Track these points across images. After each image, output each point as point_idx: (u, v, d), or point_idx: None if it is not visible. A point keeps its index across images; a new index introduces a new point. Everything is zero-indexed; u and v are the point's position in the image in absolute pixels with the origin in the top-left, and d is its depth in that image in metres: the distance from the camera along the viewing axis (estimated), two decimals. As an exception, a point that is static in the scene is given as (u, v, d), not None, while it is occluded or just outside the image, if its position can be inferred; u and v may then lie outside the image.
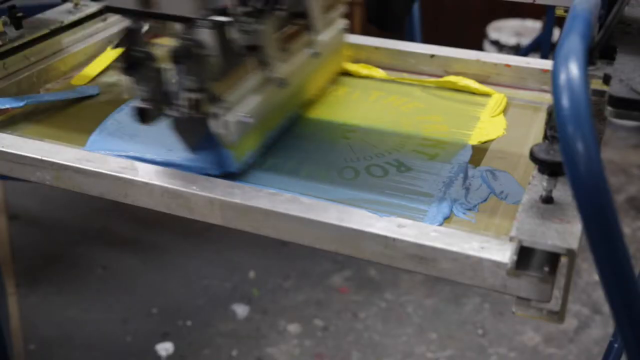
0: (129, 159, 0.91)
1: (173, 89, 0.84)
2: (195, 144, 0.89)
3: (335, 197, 0.86)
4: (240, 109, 0.89)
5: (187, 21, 0.81)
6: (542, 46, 2.66)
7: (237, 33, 0.92)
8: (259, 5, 0.90)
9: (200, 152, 0.90)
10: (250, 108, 0.91)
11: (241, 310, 2.17)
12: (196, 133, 0.88)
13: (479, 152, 0.97)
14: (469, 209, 0.85)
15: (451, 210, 0.84)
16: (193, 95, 0.82)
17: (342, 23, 1.17)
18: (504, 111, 1.08)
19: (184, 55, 0.80)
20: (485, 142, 1.00)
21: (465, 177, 0.91)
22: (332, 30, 1.13)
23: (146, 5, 0.81)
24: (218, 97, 0.85)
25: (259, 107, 0.93)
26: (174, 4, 0.81)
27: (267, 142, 0.97)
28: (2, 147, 0.93)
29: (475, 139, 1.00)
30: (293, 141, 1.01)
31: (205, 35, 0.84)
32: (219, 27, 0.86)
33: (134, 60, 0.82)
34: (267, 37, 0.94)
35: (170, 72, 0.84)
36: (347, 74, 1.21)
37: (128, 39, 0.81)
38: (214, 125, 0.86)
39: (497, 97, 1.10)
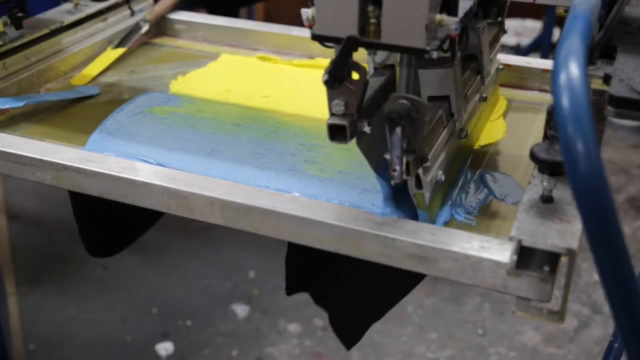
0: (129, 159, 0.91)
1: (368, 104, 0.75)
2: (377, 165, 0.81)
3: (334, 197, 0.86)
4: (436, 166, 0.81)
5: (417, 52, 0.72)
6: (542, 46, 2.66)
7: (423, 82, 0.85)
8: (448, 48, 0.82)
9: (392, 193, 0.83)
10: (442, 164, 0.83)
11: (241, 310, 2.17)
12: (378, 153, 0.78)
13: (479, 155, 0.97)
14: (469, 212, 0.84)
15: (451, 214, 0.84)
16: (406, 157, 0.74)
17: (498, 63, 1.08)
18: (504, 114, 1.08)
19: (405, 117, 0.71)
20: (485, 145, 1.00)
21: (465, 181, 0.91)
22: (493, 71, 1.05)
23: (364, 34, 0.73)
24: (426, 157, 0.77)
25: (447, 162, 0.85)
26: (401, 34, 0.71)
27: (451, 196, 0.88)
28: (2, 147, 0.93)
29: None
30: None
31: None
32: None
33: (342, 72, 0.71)
34: (456, 86, 0.87)
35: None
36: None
37: (345, 51, 0.71)
38: (411, 186, 0.80)
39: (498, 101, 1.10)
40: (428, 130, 0.80)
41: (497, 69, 1.07)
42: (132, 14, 1.36)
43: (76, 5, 1.28)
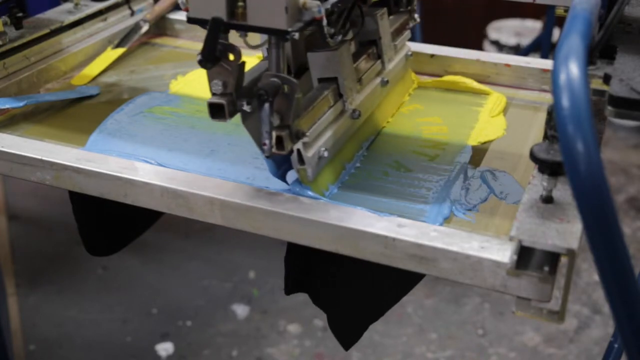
0: (129, 159, 0.91)
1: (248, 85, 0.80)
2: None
3: (334, 198, 0.86)
4: (319, 143, 0.85)
5: (279, 33, 0.76)
6: (542, 46, 2.66)
7: (312, 64, 0.89)
8: (338, 31, 0.86)
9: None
10: (327, 142, 0.87)
11: (241, 310, 2.17)
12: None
13: (479, 152, 0.97)
14: (469, 209, 0.85)
15: (451, 211, 0.84)
16: (278, 133, 0.78)
17: (407, 49, 1.13)
18: (504, 111, 1.08)
19: (272, 93, 0.76)
20: (485, 142, 1.00)
21: (465, 178, 0.91)
22: (399, 56, 1.09)
23: (234, 17, 0.77)
24: (302, 133, 0.81)
25: (335, 140, 0.89)
26: (264, 16, 0.75)
27: (348, 172, 0.92)
28: (2, 147, 0.93)
29: (475, 139, 1.00)
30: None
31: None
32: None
33: (215, 53, 0.76)
34: (343, 68, 0.90)
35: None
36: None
37: (212, 32, 0.76)
38: (294, 162, 0.83)
39: (497, 97, 1.10)
40: (306, 108, 0.83)
41: (407, 55, 1.11)
42: (132, 14, 1.36)
43: (76, 5, 1.28)
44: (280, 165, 0.85)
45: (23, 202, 2.63)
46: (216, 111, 0.78)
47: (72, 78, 1.19)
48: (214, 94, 0.78)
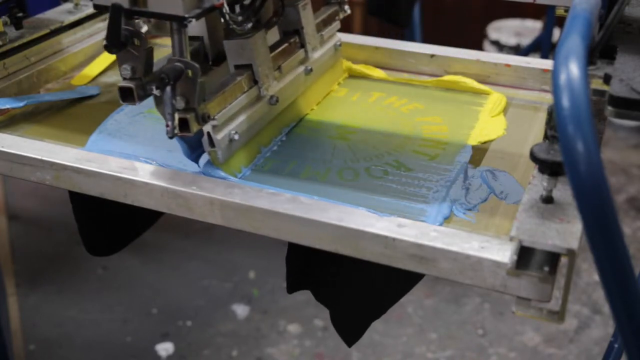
0: (129, 159, 0.91)
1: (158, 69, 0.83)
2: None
3: (335, 197, 0.86)
4: (230, 127, 0.89)
5: (177, 19, 0.81)
6: (543, 46, 2.66)
7: (228, 52, 0.93)
8: (246, 19, 0.91)
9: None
10: (240, 126, 0.91)
11: (241, 310, 2.17)
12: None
13: (479, 152, 0.97)
14: (469, 209, 0.85)
15: (451, 211, 0.84)
16: (182, 115, 0.82)
17: (337, 39, 1.16)
18: (504, 111, 1.08)
19: (174, 77, 0.80)
20: (485, 142, 1.00)
21: (465, 177, 0.91)
22: (326, 46, 1.13)
23: (136, 4, 0.81)
24: (207, 116, 0.84)
25: (250, 125, 0.93)
26: (163, 2, 0.80)
27: (262, 156, 0.96)
28: (3, 147, 0.93)
29: (475, 139, 1.00)
30: (293, 142, 1.01)
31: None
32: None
33: (120, 38, 0.81)
34: (257, 55, 0.94)
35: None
36: (348, 74, 1.21)
37: (114, 18, 0.81)
38: (204, 144, 0.87)
39: (497, 97, 1.10)
40: (216, 93, 0.87)
41: (335, 45, 1.15)
42: (132, 14, 1.36)
43: (76, 5, 1.28)
44: (195, 149, 0.90)
45: (23, 202, 2.63)
46: (126, 95, 0.83)
47: (72, 78, 1.19)
48: (124, 79, 0.83)
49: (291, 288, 0.96)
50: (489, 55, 1.17)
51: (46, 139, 0.98)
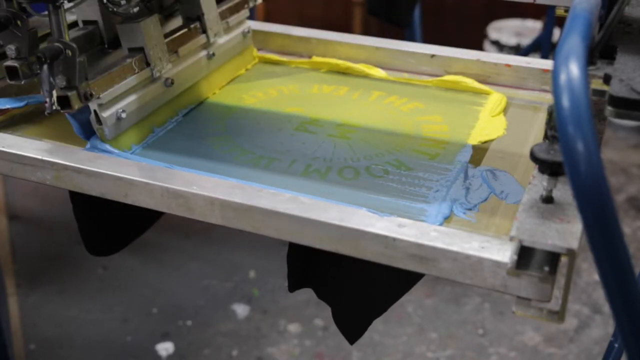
0: (129, 159, 0.91)
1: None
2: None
3: (335, 197, 0.86)
4: (118, 106, 0.94)
5: (51, 2, 0.86)
6: (543, 46, 2.66)
7: (121, 35, 0.98)
8: (134, 5, 0.95)
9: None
10: (129, 105, 0.96)
11: (241, 310, 2.17)
12: None
13: (479, 151, 0.97)
14: (469, 209, 0.85)
15: (451, 210, 0.84)
16: (62, 93, 0.87)
17: (246, 26, 1.22)
18: (504, 111, 1.08)
19: (53, 56, 0.84)
20: (486, 142, 1.00)
21: (466, 177, 0.91)
22: (233, 33, 1.18)
23: None
24: (90, 94, 0.89)
25: (141, 105, 0.98)
26: None
27: (156, 135, 1.01)
28: (3, 147, 0.93)
29: (475, 138, 1.00)
30: (294, 141, 1.01)
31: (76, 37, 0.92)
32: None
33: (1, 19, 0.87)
34: (149, 38, 0.98)
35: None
36: (348, 73, 1.21)
37: None
38: (92, 121, 0.92)
39: (497, 97, 1.10)
40: (102, 73, 0.92)
41: (244, 32, 1.21)
42: (132, 14, 1.36)
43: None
44: (87, 128, 0.95)
45: (23, 202, 2.63)
46: (12, 74, 0.89)
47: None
48: (10, 59, 0.89)
49: (292, 286, 0.97)
50: (489, 55, 1.17)
51: (47, 139, 0.98)
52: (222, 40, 1.15)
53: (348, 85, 1.17)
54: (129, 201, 0.88)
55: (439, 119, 1.06)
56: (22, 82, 0.89)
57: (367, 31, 3.10)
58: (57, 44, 0.86)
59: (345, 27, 3.13)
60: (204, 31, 1.11)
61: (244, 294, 2.23)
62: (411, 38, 2.52)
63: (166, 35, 1.04)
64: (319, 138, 1.01)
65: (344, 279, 0.94)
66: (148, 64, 0.99)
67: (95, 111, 0.92)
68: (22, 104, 1.04)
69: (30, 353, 2.00)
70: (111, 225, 1.07)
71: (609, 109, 0.70)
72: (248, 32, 1.22)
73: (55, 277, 2.28)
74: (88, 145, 0.93)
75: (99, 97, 0.91)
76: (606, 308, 2.14)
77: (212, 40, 1.12)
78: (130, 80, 0.96)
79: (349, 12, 3.20)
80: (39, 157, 0.91)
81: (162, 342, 2.05)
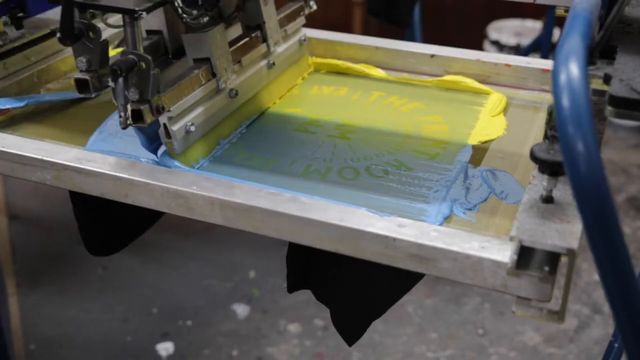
0: (129, 159, 0.91)
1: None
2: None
3: (335, 197, 0.86)
4: (187, 119, 0.91)
5: (128, 12, 0.83)
6: (543, 46, 2.66)
7: (187, 45, 0.95)
8: (202, 13, 0.93)
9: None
10: (197, 118, 0.93)
11: (241, 310, 2.17)
12: None
13: (479, 151, 0.97)
14: (469, 209, 0.85)
15: (451, 210, 0.84)
16: (135, 107, 0.84)
17: (301, 34, 1.19)
18: (504, 111, 1.08)
19: (126, 69, 0.82)
20: (486, 142, 1.00)
21: (466, 177, 0.91)
22: (290, 41, 1.16)
23: None
24: (162, 108, 0.86)
25: (207, 117, 0.95)
26: None
27: (221, 148, 0.98)
28: (3, 147, 0.93)
29: (475, 138, 1.00)
30: (293, 141, 1.01)
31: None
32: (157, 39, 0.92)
33: (73, 31, 0.84)
34: (215, 49, 0.95)
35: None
36: (348, 74, 1.21)
37: (66, 10, 0.83)
38: (161, 135, 0.89)
39: (497, 97, 1.10)
40: (172, 86, 0.89)
41: (300, 40, 1.18)
42: (132, 14, 1.36)
43: (76, 5, 1.28)
44: (154, 140, 0.92)
45: (23, 202, 2.63)
46: (82, 86, 0.87)
47: (72, 78, 1.19)
48: (80, 71, 0.87)
49: (291, 287, 0.97)
50: (489, 55, 1.17)
51: (47, 139, 0.98)
52: (280, 48, 1.13)
53: (348, 86, 1.17)
54: (129, 201, 0.88)
55: (439, 119, 1.06)
56: (93, 96, 0.87)
57: (367, 31, 3.10)
58: (131, 56, 0.83)
59: (345, 27, 3.13)
60: (264, 40, 1.08)
61: (244, 294, 2.23)
62: (411, 38, 2.52)
63: (229, 45, 1.01)
64: (319, 138, 1.01)
65: (344, 280, 0.94)
66: (214, 75, 0.96)
67: (165, 125, 0.88)
68: (22, 104, 1.04)
69: (30, 353, 2.00)
70: (111, 225, 1.07)
71: (609, 109, 0.70)
72: (304, 40, 1.19)
73: (55, 277, 2.28)
74: (156, 160, 0.90)
75: (169, 111, 0.88)
76: (606, 308, 2.14)
77: (272, 49, 1.10)
78: (198, 92, 0.93)
79: (349, 12, 3.20)
80: (39, 157, 0.91)
81: (162, 342, 2.05)
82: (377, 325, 2.11)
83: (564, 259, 0.69)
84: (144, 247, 2.38)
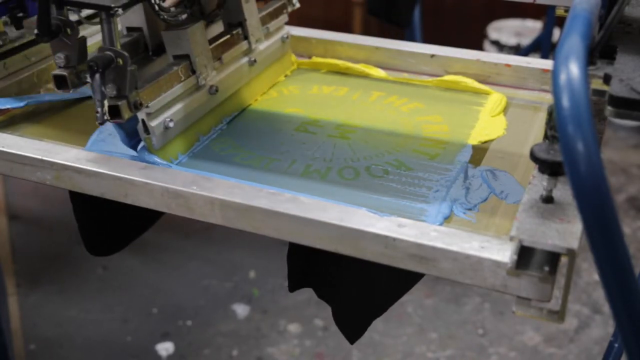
0: (129, 159, 0.91)
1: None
2: None
3: (335, 197, 0.86)
4: (165, 115, 0.92)
5: (103, 9, 0.83)
6: (543, 46, 2.66)
7: (166, 42, 0.96)
8: (180, 10, 0.94)
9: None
10: (176, 114, 0.93)
11: (241, 310, 2.17)
12: None
13: (479, 151, 0.97)
14: (469, 209, 0.85)
15: (451, 210, 0.84)
16: (113, 102, 0.85)
17: (284, 32, 1.20)
18: (504, 111, 1.08)
19: (105, 65, 0.82)
20: (486, 142, 1.00)
21: (466, 177, 0.91)
22: (272, 39, 1.16)
23: None
24: (139, 104, 0.87)
25: (187, 113, 0.96)
26: None
27: (201, 144, 0.99)
28: (3, 147, 0.93)
29: (475, 138, 1.00)
30: (294, 141, 1.01)
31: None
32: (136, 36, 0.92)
33: (50, 27, 0.85)
34: (195, 45, 0.96)
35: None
36: (347, 74, 1.21)
37: (42, 7, 0.83)
38: (140, 131, 0.90)
39: (497, 97, 1.10)
40: (151, 82, 0.90)
41: (283, 38, 1.19)
42: (132, 14, 1.36)
43: (76, 5, 1.28)
44: (133, 136, 0.93)
45: (23, 202, 2.63)
46: (60, 83, 0.87)
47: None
48: (58, 67, 0.87)
49: (293, 286, 0.97)
50: (489, 55, 1.17)
51: (46, 139, 0.98)
52: (262, 46, 1.13)
53: (348, 86, 1.17)
54: (129, 201, 0.88)
55: (439, 119, 1.06)
56: (70, 92, 0.88)
57: (367, 31, 3.10)
58: (108, 52, 0.84)
59: (345, 27, 3.13)
60: (246, 37, 1.09)
61: (244, 294, 2.23)
62: (411, 38, 2.52)
63: (209, 42, 1.02)
64: (319, 138, 1.01)
65: (344, 279, 0.94)
66: (194, 72, 0.97)
67: (143, 120, 0.89)
68: (22, 104, 1.04)
69: (30, 353, 2.00)
70: (111, 225, 1.07)
71: (609, 109, 0.70)
72: (287, 37, 1.20)
73: (55, 277, 2.28)
74: (135, 155, 0.91)
75: (147, 106, 0.89)
76: (606, 308, 2.14)
77: (253, 46, 1.10)
78: (177, 89, 0.94)
79: (349, 12, 3.20)
80: (39, 157, 0.91)
81: (162, 342, 2.05)
82: (377, 325, 2.11)
83: (564, 259, 0.69)
84: (144, 247, 2.38)
